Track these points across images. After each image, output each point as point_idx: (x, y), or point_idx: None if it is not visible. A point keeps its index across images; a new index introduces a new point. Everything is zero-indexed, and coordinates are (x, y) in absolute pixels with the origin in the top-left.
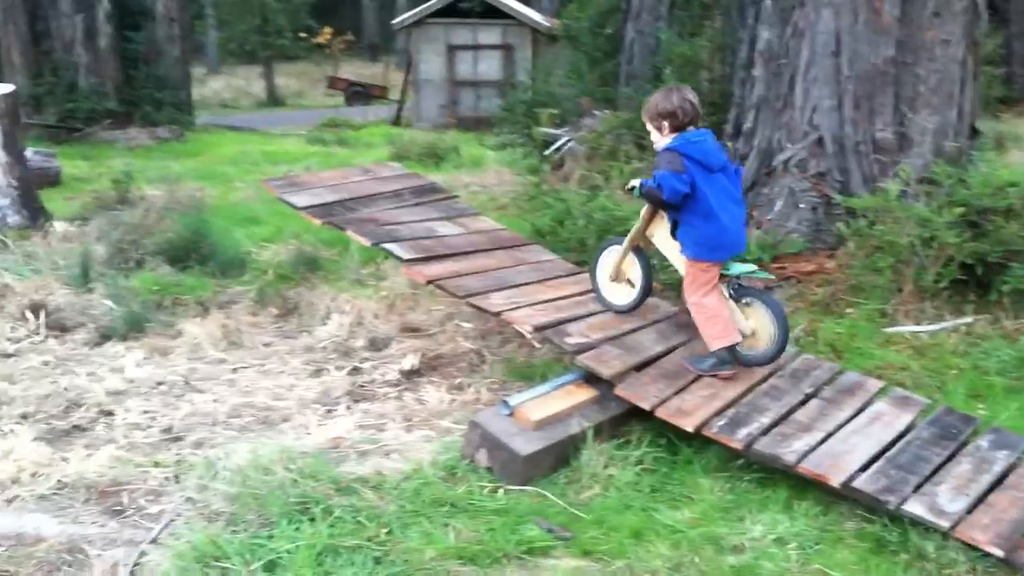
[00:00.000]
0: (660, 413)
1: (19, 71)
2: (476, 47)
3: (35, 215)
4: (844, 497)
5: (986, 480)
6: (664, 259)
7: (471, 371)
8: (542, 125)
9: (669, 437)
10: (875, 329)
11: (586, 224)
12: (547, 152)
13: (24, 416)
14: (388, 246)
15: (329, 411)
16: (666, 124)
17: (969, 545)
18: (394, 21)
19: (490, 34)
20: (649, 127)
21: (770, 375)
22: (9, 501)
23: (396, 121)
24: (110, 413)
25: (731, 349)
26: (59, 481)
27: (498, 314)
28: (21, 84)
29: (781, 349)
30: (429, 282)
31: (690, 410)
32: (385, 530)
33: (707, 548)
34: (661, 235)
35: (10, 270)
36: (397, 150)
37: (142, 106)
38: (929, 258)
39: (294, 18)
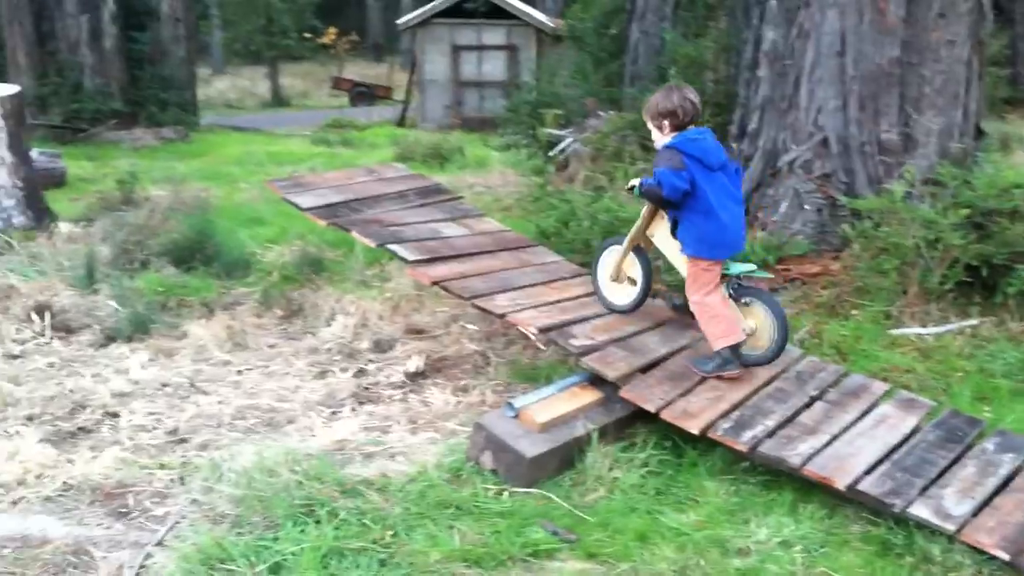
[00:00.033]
0: (665, 415)
1: (24, 71)
2: (481, 47)
3: (40, 216)
4: (849, 500)
5: (992, 483)
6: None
7: (476, 373)
8: (547, 126)
9: (674, 439)
10: (880, 331)
11: (591, 225)
12: (551, 153)
13: (30, 418)
14: (393, 247)
15: (334, 413)
16: (666, 123)
17: (975, 548)
18: (399, 21)
19: (495, 34)
20: (650, 126)
21: (775, 377)
22: (15, 503)
23: (400, 122)
24: (115, 415)
25: (735, 348)
26: (64, 483)
27: (503, 316)
28: (26, 84)
29: (781, 348)
30: (434, 283)
31: (695, 412)
32: (390, 532)
33: (712, 551)
34: (661, 234)
35: (15, 271)
36: (401, 151)
37: (147, 106)
38: (934, 260)
39: (299, 18)
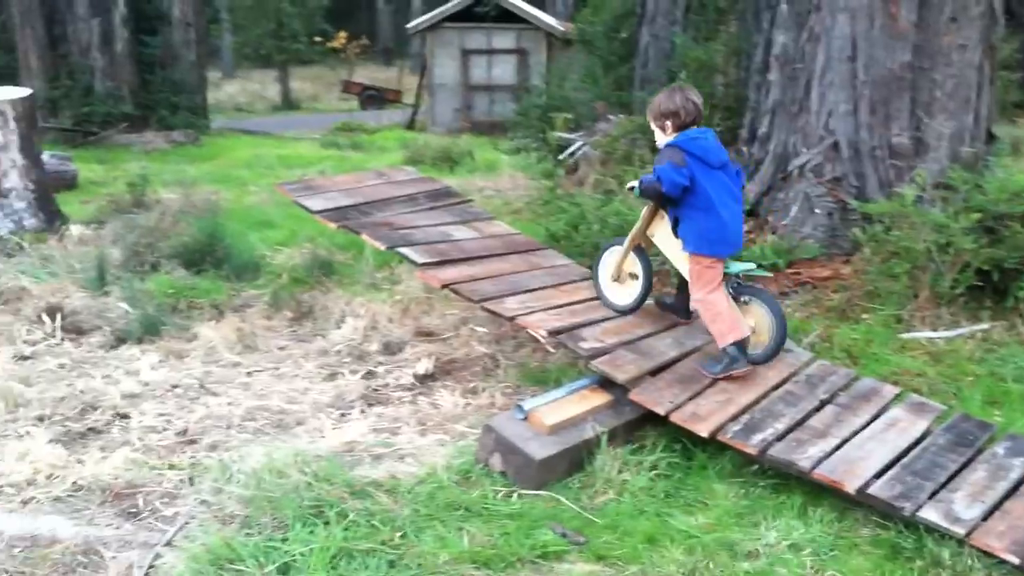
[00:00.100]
0: (675, 418)
1: (36, 75)
2: (491, 51)
3: (51, 218)
4: (859, 503)
5: (1002, 487)
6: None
7: (485, 375)
8: (556, 129)
9: (684, 442)
10: (891, 335)
11: (600, 228)
12: (561, 156)
13: (40, 418)
14: (402, 250)
15: (343, 415)
16: (669, 123)
17: (985, 552)
18: (409, 25)
19: (505, 38)
20: (653, 126)
21: (785, 380)
22: (25, 503)
23: (410, 125)
24: (125, 416)
25: (742, 345)
26: (75, 483)
27: (512, 318)
28: (38, 88)
29: (780, 346)
30: (444, 286)
31: (705, 415)
32: (399, 534)
33: (721, 554)
34: (662, 234)
35: (27, 273)
36: (411, 154)
37: (158, 110)
38: (945, 264)
39: (309, 22)
